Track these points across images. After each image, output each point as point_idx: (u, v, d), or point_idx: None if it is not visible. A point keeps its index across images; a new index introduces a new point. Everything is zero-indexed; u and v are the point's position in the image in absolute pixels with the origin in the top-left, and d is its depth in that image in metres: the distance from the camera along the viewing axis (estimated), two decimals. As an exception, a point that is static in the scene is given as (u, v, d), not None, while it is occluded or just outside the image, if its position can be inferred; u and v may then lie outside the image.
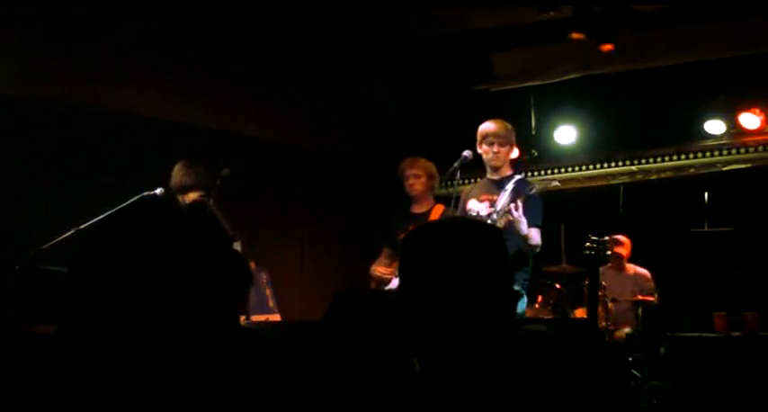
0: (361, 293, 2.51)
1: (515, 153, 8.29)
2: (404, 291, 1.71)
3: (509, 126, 5.31)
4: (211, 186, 5.36)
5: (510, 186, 5.09)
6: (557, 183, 5.51)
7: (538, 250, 5.09)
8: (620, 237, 7.40)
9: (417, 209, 5.94)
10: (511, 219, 4.85)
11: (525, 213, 4.91)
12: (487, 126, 5.26)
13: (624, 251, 7.39)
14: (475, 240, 1.71)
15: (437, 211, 5.85)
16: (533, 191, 5.04)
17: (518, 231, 4.86)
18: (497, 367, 1.61)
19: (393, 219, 6.04)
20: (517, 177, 5.23)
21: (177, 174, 5.40)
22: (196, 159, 5.53)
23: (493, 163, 5.26)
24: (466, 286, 1.65)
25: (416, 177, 5.88)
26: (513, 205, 4.88)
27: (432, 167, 5.94)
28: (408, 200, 6.00)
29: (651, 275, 7.40)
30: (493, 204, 5.17)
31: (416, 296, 1.67)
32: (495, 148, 5.23)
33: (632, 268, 7.46)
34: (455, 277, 1.65)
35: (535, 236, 4.99)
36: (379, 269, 5.94)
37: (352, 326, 2.20)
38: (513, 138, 5.34)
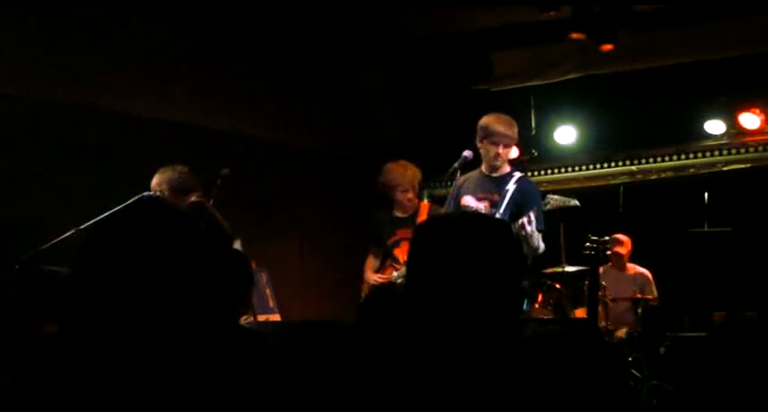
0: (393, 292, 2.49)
1: (515, 152, 8.34)
2: (412, 285, 1.70)
3: (516, 125, 5.10)
4: (211, 186, 5.33)
5: (512, 186, 4.97)
6: (576, 203, 5.24)
7: (541, 251, 5.02)
8: (621, 237, 7.40)
9: (401, 213, 5.80)
10: (524, 233, 4.72)
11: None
12: (497, 126, 5.02)
13: (624, 250, 7.40)
14: (486, 235, 1.70)
15: (424, 210, 5.71)
16: (548, 206, 4.98)
17: (531, 245, 4.77)
18: (501, 363, 1.61)
19: (377, 220, 5.92)
20: (517, 175, 5.09)
21: (174, 177, 5.25)
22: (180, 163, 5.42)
23: (495, 163, 5.07)
24: (475, 280, 1.64)
25: (404, 192, 5.72)
26: (525, 219, 4.72)
27: (417, 176, 5.77)
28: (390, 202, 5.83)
29: (651, 276, 7.40)
30: (494, 204, 5.02)
31: (425, 289, 1.66)
32: (501, 149, 5.02)
33: (633, 268, 7.47)
34: (465, 271, 1.64)
35: (540, 241, 4.92)
36: (373, 276, 5.84)
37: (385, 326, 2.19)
38: (516, 141, 5.18)
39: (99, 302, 1.39)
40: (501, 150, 5.03)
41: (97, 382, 1.33)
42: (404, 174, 5.75)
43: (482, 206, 5.06)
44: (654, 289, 7.34)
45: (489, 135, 5.03)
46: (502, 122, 5.05)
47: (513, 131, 5.07)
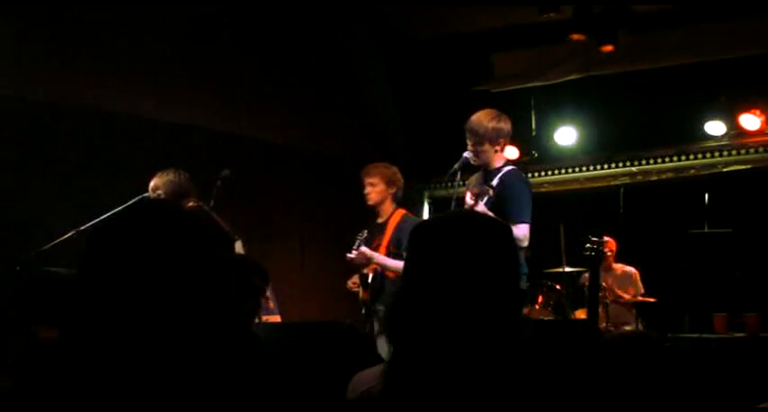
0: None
1: (515, 152, 8.32)
2: (408, 287, 1.68)
3: (488, 123, 4.80)
4: (212, 187, 5.33)
5: (496, 181, 4.80)
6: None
7: (525, 243, 4.73)
8: (606, 238, 7.37)
9: (379, 219, 5.68)
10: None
11: (510, 208, 4.66)
12: (467, 123, 4.85)
13: (610, 251, 7.34)
14: (483, 236, 1.69)
15: (395, 218, 5.60)
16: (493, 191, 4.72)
17: None
18: (502, 365, 1.60)
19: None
20: (505, 169, 4.89)
21: (172, 181, 5.19)
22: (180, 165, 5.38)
23: (472, 161, 4.90)
24: (473, 283, 1.62)
25: (372, 186, 5.60)
26: (474, 201, 4.61)
27: (392, 174, 5.64)
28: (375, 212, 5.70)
29: (639, 273, 7.38)
30: (478, 197, 4.82)
31: (421, 292, 1.64)
32: (470, 147, 4.83)
33: (619, 267, 7.47)
34: (462, 273, 1.63)
35: (519, 231, 4.59)
36: (349, 282, 5.78)
37: None
38: (496, 137, 4.83)
39: (102, 305, 1.38)
40: (470, 147, 4.85)
41: (98, 387, 1.32)
42: (369, 168, 5.72)
43: (471, 202, 4.95)
44: (639, 285, 7.33)
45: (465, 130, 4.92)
46: (475, 115, 4.88)
47: (480, 127, 4.81)
